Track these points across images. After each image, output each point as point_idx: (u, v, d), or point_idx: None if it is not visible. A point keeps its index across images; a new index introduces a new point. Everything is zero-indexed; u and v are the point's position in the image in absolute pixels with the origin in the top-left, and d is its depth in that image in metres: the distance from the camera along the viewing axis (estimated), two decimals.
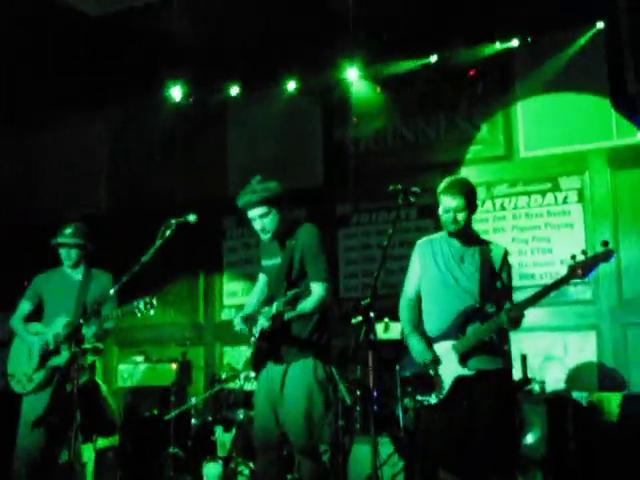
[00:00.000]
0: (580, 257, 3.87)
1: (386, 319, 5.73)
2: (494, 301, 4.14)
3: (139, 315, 4.42)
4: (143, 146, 8.39)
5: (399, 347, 4.47)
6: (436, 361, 4.13)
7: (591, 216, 6.63)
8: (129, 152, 8.57)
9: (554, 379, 6.31)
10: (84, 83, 7.68)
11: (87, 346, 4.60)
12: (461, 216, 4.17)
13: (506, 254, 4.29)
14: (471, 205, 4.21)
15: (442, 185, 4.25)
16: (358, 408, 5.71)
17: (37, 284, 5.33)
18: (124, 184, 8.62)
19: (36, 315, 5.28)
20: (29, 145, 9.02)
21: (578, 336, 6.51)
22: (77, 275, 5.27)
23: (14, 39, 7.10)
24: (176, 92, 7.96)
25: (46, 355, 4.96)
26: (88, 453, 5.20)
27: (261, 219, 4.28)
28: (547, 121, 6.91)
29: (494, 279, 4.19)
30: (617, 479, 4.61)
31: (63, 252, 5.23)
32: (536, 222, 6.85)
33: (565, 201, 6.76)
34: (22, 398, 5.03)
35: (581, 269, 3.87)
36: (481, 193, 6.90)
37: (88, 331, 4.77)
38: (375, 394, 3.80)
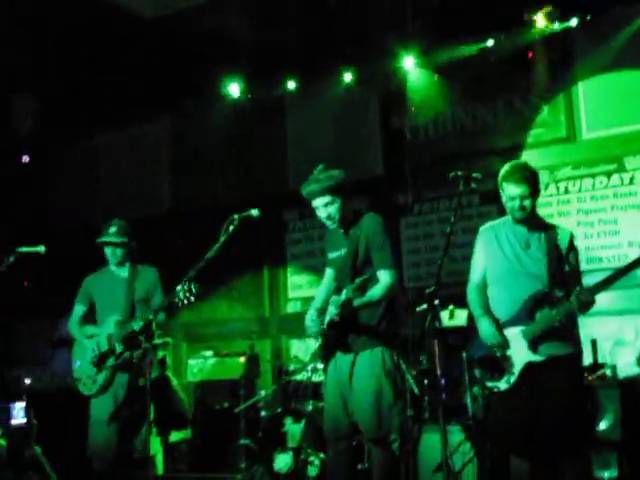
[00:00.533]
0: None
1: (451, 306, 5.69)
2: (562, 285, 4.07)
3: (180, 304, 4.38)
4: (204, 144, 8.50)
5: (465, 334, 4.45)
6: (505, 344, 4.09)
7: None
8: (190, 150, 8.69)
9: (625, 363, 6.17)
10: (144, 84, 7.82)
11: (157, 341, 4.69)
12: (527, 202, 4.11)
13: (572, 237, 4.22)
14: (535, 190, 4.15)
15: (503, 171, 4.19)
16: (426, 397, 5.70)
17: (86, 286, 5.40)
18: (186, 182, 8.74)
19: (91, 316, 5.37)
20: (92, 147, 9.23)
21: None
22: (123, 273, 5.33)
23: (74, 42, 7.27)
24: (234, 89, 8.04)
25: (103, 356, 5.06)
26: (156, 446, 5.29)
27: (325, 208, 4.30)
28: (609, 100, 6.75)
29: (561, 263, 4.12)
30: None
31: (108, 251, 5.29)
32: (602, 204, 6.71)
33: (631, 182, 6.60)
34: (90, 400, 5.15)
35: None
36: (544, 177, 6.78)
37: (135, 325, 4.85)
38: (443, 382, 3.77)
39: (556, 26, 6.78)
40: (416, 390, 5.56)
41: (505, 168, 4.20)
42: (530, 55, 6.96)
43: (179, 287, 4.38)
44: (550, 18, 6.74)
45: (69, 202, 9.31)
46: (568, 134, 6.93)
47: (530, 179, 4.12)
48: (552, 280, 4.07)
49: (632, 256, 5.94)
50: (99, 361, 5.03)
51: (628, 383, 5.40)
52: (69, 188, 9.34)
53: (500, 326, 4.15)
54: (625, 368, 6.05)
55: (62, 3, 6.57)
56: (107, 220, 5.45)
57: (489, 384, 4.19)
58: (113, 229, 5.29)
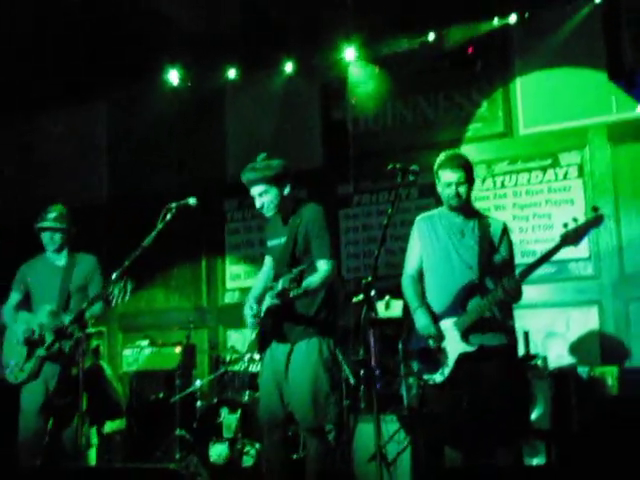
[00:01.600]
0: (572, 224, 3.92)
1: (387, 297, 5.76)
2: (495, 275, 4.15)
3: (114, 302, 4.33)
4: (142, 131, 8.37)
5: (401, 324, 4.51)
6: (440, 336, 4.16)
7: (591, 191, 6.63)
8: (128, 138, 8.56)
9: (557, 355, 6.35)
10: (81, 69, 7.67)
11: (91, 330, 4.63)
12: (462, 189, 4.20)
13: (505, 227, 4.31)
14: (471, 178, 4.24)
15: (439, 160, 4.27)
16: (362, 387, 5.76)
17: (22, 273, 5.33)
18: (124, 170, 8.61)
19: (27, 303, 5.29)
20: (25, 133, 9.01)
21: (580, 312, 6.54)
22: (60, 260, 5.26)
23: (10, 24, 7.09)
24: (173, 76, 7.93)
25: (32, 345, 4.98)
26: (92, 437, 5.24)
27: (260, 197, 4.31)
28: (546, 97, 6.89)
29: (493, 253, 4.21)
30: (620, 452, 4.64)
31: (46, 236, 5.22)
32: (537, 199, 6.86)
33: (565, 177, 6.76)
34: (20, 388, 5.05)
35: (573, 235, 3.91)
36: (481, 171, 6.92)
37: (66, 318, 4.79)
38: (378, 372, 3.82)
39: (495, 22, 6.90)
40: (352, 380, 5.62)
41: (440, 157, 4.29)
42: (470, 50, 7.05)
43: (114, 285, 4.31)
44: (489, 14, 6.86)
45: (3, 189, 9.06)
46: (505, 129, 7.05)
47: (465, 167, 4.22)
48: (484, 270, 4.15)
49: (566, 250, 6.13)
50: (28, 348, 4.94)
51: (558, 374, 5.54)
52: (3, 175, 9.10)
53: (435, 317, 4.22)
54: (556, 359, 6.23)
55: None
56: (44, 207, 5.35)
57: (425, 376, 4.25)
58: (52, 214, 5.21)
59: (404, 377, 5.43)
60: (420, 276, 4.39)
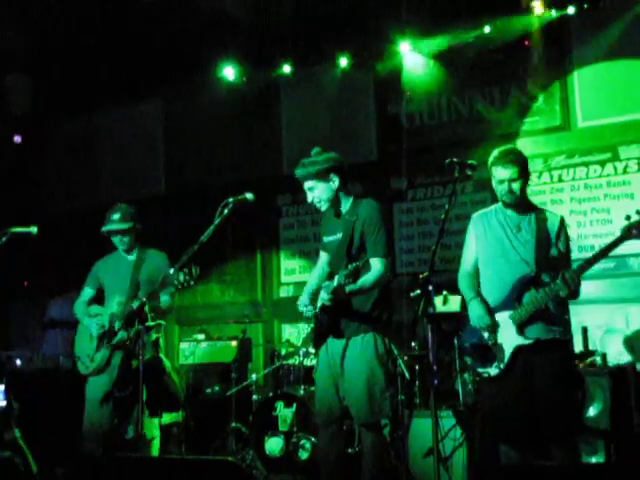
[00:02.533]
0: (635, 217, 3.83)
1: (445, 292, 5.73)
2: (551, 269, 4.10)
3: (180, 287, 4.37)
4: (198, 127, 8.48)
5: (458, 319, 4.48)
6: (495, 326, 4.12)
7: None
8: (184, 133, 8.68)
9: (616, 351, 6.23)
10: (138, 64, 7.80)
11: (150, 323, 4.70)
12: (516, 185, 4.16)
13: (562, 222, 4.25)
14: (524, 173, 4.18)
15: (492, 156, 4.24)
16: (417, 383, 5.75)
17: (95, 270, 5.45)
18: (181, 164, 8.73)
19: (100, 299, 5.42)
20: (84, 128, 9.21)
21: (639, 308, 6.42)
22: (132, 256, 5.35)
23: (69, 23, 7.24)
24: (229, 72, 8.02)
25: (103, 335, 5.09)
26: (155, 429, 5.34)
27: (310, 192, 4.36)
28: (605, 89, 6.76)
29: (550, 247, 4.16)
30: None
31: (115, 239, 5.30)
32: (595, 193, 6.74)
33: (625, 171, 6.63)
34: (86, 379, 5.17)
35: (636, 229, 3.82)
36: (538, 165, 6.83)
37: (135, 304, 4.86)
38: (435, 368, 3.80)
39: (553, 13, 6.79)
40: (407, 375, 5.61)
41: (494, 153, 4.25)
42: (527, 42, 6.96)
43: (179, 270, 4.33)
44: (547, 5, 6.76)
45: (62, 184, 9.29)
46: (563, 123, 6.94)
47: (518, 163, 4.16)
48: (540, 264, 4.10)
49: (624, 246, 6.02)
50: (100, 339, 5.06)
51: (618, 371, 5.45)
52: (62, 170, 9.32)
53: (490, 309, 4.19)
54: (615, 356, 6.12)
55: None
56: (107, 204, 5.44)
57: (480, 369, 4.22)
58: (116, 216, 5.26)
59: (460, 373, 5.41)
60: (476, 272, 4.37)
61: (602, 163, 6.72)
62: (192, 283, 4.30)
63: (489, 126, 7.18)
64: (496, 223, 4.31)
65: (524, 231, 4.21)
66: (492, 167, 4.22)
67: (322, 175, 4.30)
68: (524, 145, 6.80)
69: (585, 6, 6.68)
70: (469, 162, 3.97)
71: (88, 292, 5.42)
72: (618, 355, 6.17)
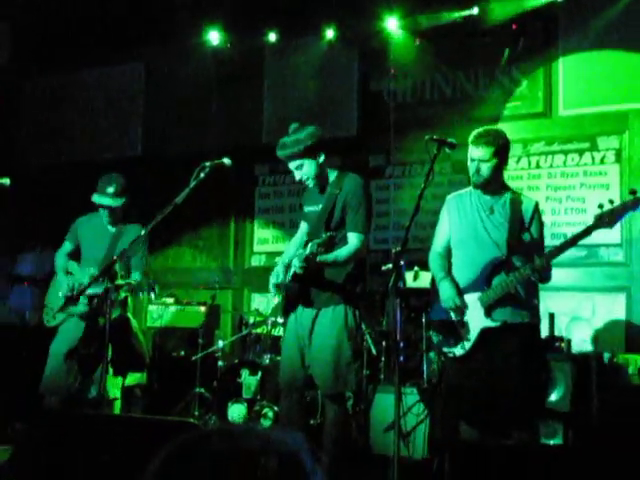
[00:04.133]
0: (607, 206, 3.84)
1: (416, 268, 5.74)
2: (523, 254, 4.10)
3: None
4: (179, 89, 8.39)
5: (428, 295, 4.49)
6: (463, 308, 4.14)
7: (628, 177, 6.53)
8: (165, 95, 8.57)
9: (580, 339, 6.31)
10: (120, 23, 7.68)
11: (120, 282, 4.67)
12: (485, 167, 4.12)
13: (537, 207, 4.24)
14: (499, 156, 4.14)
15: (472, 134, 4.22)
16: (383, 358, 5.78)
17: (77, 227, 5.42)
18: (160, 126, 8.64)
19: (77, 255, 5.43)
20: (63, 84, 9.07)
21: (607, 298, 6.49)
22: (113, 228, 5.32)
23: None
24: (214, 36, 7.91)
25: (68, 300, 5.05)
26: (117, 389, 5.33)
27: (297, 170, 4.31)
28: (589, 79, 6.77)
29: (523, 231, 4.16)
30: (636, 441, 4.64)
31: (105, 212, 5.23)
32: (571, 182, 6.77)
33: (602, 161, 6.67)
34: (57, 328, 5.15)
35: (608, 217, 3.83)
36: (517, 150, 6.84)
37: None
38: (401, 345, 3.81)
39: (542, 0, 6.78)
40: (374, 350, 5.64)
41: (475, 131, 4.23)
42: (514, 27, 6.94)
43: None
44: None
45: (37, 139, 9.16)
46: (545, 109, 6.95)
47: (493, 144, 4.11)
48: (511, 247, 4.10)
49: (596, 236, 6.06)
50: (65, 302, 5.04)
51: (581, 358, 5.52)
52: (38, 124, 9.19)
53: (460, 290, 4.21)
54: (579, 344, 6.19)
55: None
56: (81, 162, 5.38)
57: (445, 349, 4.24)
58: (111, 189, 5.17)
59: (425, 351, 5.44)
60: (447, 253, 4.37)
61: (580, 152, 6.75)
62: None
63: (471, 108, 7.17)
64: (470, 205, 4.29)
65: (497, 214, 4.20)
66: (469, 145, 4.20)
67: (308, 152, 4.24)
68: (505, 129, 6.74)
69: None
70: (449, 140, 3.94)
71: (68, 246, 5.40)
72: (582, 343, 6.25)
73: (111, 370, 4.89)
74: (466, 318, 4.16)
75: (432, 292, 4.35)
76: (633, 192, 3.85)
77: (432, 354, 5.54)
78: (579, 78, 6.82)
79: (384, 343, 5.80)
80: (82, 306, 4.98)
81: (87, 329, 4.94)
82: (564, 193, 6.77)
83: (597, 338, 6.38)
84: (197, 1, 7.30)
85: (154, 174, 8.14)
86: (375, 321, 6.03)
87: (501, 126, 6.87)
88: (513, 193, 4.30)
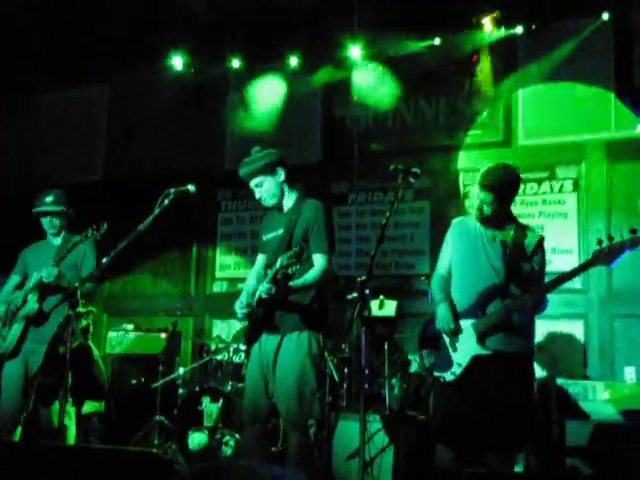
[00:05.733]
0: (606, 243, 3.82)
1: (381, 296, 5.75)
2: (521, 284, 4.09)
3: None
4: (142, 114, 8.35)
5: (392, 325, 4.50)
6: (457, 331, 4.13)
7: (585, 206, 6.66)
8: (128, 120, 8.53)
9: (540, 366, 6.36)
10: (84, 48, 7.63)
11: (81, 310, 4.61)
12: (487, 209, 4.17)
13: (541, 241, 4.25)
14: (502, 197, 4.16)
15: (480, 172, 4.22)
16: (345, 385, 5.76)
17: (23, 257, 5.35)
18: (122, 151, 8.57)
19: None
20: (25, 107, 8.95)
21: (566, 325, 6.57)
22: (58, 241, 5.27)
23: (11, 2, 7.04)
24: (177, 62, 7.90)
25: (16, 311, 5.00)
26: (70, 418, 5.22)
27: (258, 188, 4.32)
28: (547, 110, 6.92)
29: (523, 262, 4.14)
30: (598, 466, 4.68)
31: (45, 221, 5.22)
32: (530, 210, 6.87)
33: (561, 190, 6.79)
34: (3, 364, 5.04)
35: (605, 255, 3.81)
36: (478, 178, 6.91)
37: (44, 272, 4.80)
38: (367, 372, 3.79)
39: (502, 32, 6.91)
40: (336, 377, 5.63)
41: (484, 168, 4.23)
42: (475, 58, 7.07)
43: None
44: (497, 23, 6.88)
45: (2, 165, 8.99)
46: (505, 139, 7.07)
47: (495, 189, 4.12)
48: (510, 275, 4.09)
49: (555, 263, 6.16)
50: (12, 316, 4.95)
51: (541, 385, 5.55)
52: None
53: (457, 314, 4.19)
54: (539, 371, 6.24)
55: None
56: (38, 186, 5.33)
57: (436, 373, 4.23)
58: (49, 198, 5.19)
59: (388, 377, 5.45)
60: (449, 276, 4.36)
61: (539, 181, 6.86)
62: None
63: (433, 136, 7.25)
64: (473, 229, 4.29)
65: (499, 242, 4.19)
66: (477, 183, 4.21)
67: (268, 169, 4.28)
68: (466, 158, 6.92)
69: (533, 27, 6.82)
70: (413, 170, 3.95)
71: (14, 279, 5.31)
72: (542, 370, 6.31)
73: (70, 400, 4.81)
74: (459, 343, 4.14)
75: (396, 321, 4.36)
76: (633, 231, 3.80)
77: (394, 380, 5.55)
78: (538, 108, 6.96)
79: (346, 370, 5.79)
80: (32, 304, 4.90)
81: (47, 358, 4.85)
82: (524, 221, 6.81)
83: (556, 364, 6.44)
84: (162, 27, 7.28)
85: (115, 199, 8.06)
86: (338, 347, 6.02)
87: (462, 154, 7.02)
88: (518, 225, 4.30)
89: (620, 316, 6.46)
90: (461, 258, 4.30)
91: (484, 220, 4.23)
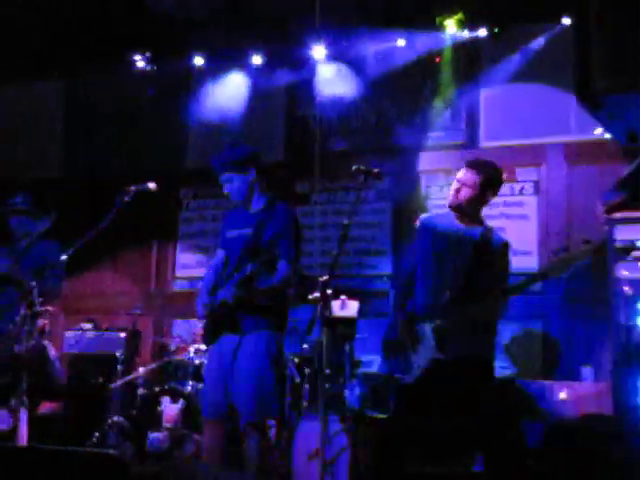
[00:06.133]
0: (561, 253, 3.93)
1: (343, 296, 5.76)
2: (482, 287, 4.06)
3: None
4: (102, 111, 8.24)
5: (353, 325, 4.51)
6: (415, 336, 4.12)
7: (545, 208, 6.74)
8: (88, 117, 8.41)
9: (500, 366, 6.42)
10: (42, 40, 7.51)
11: (38, 309, 4.53)
12: (463, 191, 4.12)
13: (505, 245, 4.24)
14: (481, 187, 4.13)
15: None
16: (307, 385, 5.76)
17: None
18: (81, 149, 8.46)
19: None
20: None
21: (526, 325, 6.64)
22: (23, 244, 5.23)
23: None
24: (139, 59, 7.82)
25: None
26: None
27: (226, 183, 4.31)
28: (509, 112, 6.99)
29: (486, 266, 4.12)
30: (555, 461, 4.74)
31: (14, 221, 5.19)
32: (492, 212, 6.85)
33: (521, 192, 6.87)
34: None
35: (559, 264, 3.91)
36: (440, 179, 6.98)
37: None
38: (328, 372, 3.80)
39: (466, 34, 6.96)
40: (297, 378, 5.62)
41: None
42: (438, 59, 7.11)
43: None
44: (460, 25, 6.93)
45: None
46: (467, 141, 7.13)
47: (480, 173, 4.12)
48: (472, 279, 4.08)
49: (516, 264, 6.21)
50: None
51: (500, 384, 5.61)
52: None
53: (416, 318, 4.18)
54: (499, 370, 6.30)
55: None
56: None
57: (397, 375, 4.24)
58: (19, 199, 5.21)
59: (349, 378, 5.46)
60: (414, 277, 4.34)
61: None
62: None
63: (395, 137, 7.27)
64: (440, 229, 4.26)
65: (463, 245, 4.16)
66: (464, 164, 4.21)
67: (239, 166, 4.28)
68: (429, 159, 6.95)
69: (496, 30, 6.89)
70: (375, 170, 3.95)
71: None
72: (502, 370, 6.37)
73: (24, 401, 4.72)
74: (419, 346, 4.13)
75: (357, 321, 4.37)
76: (587, 242, 3.91)
77: (355, 381, 5.56)
78: (500, 111, 7.02)
79: (307, 370, 5.78)
80: None
81: (2, 357, 4.76)
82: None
83: (516, 363, 6.52)
84: (123, 22, 7.21)
85: (75, 196, 7.95)
86: (299, 347, 6.02)
87: (424, 155, 7.05)
88: (486, 229, 4.26)
89: (578, 317, 6.55)
90: (425, 260, 4.29)
91: (455, 207, 4.19)
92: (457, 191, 4.16)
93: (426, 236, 4.32)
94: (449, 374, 4.02)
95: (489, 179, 4.19)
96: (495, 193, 4.29)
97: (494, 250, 4.19)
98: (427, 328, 4.13)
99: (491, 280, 4.14)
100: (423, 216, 4.50)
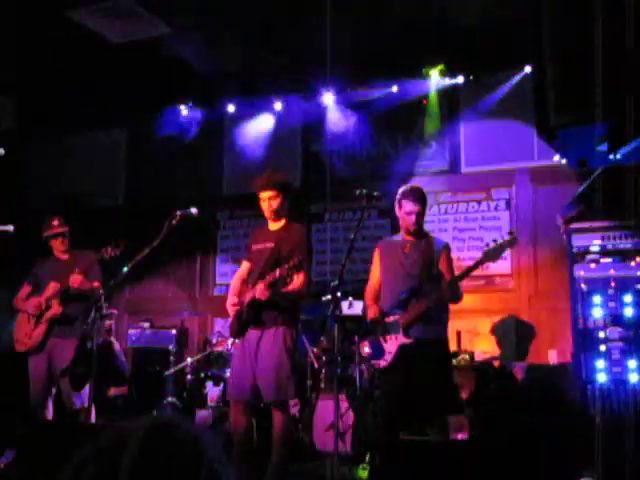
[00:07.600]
0: (492, 244, 4.04)
1: (350, 298, 5.80)
2: (433, 282, 4.15)
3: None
4: (155, 152, 8.33)
5: (359, 321, 4.54)
6: (385, 327, 4.17)
7: (516, 222, 6.76)
8: (144, 156, 8.52)
9: (481, 351, 6.43)
10: (108, 97, 7.62)
11: (104, 312, 4.60)
12: (421, 219, 4.24)
13: (446, 246, 4.33)
14: (425, 209, 4.28)
15: (403, 190, 4.27)
16: (323, 370, 5.79)
17: (34, 269, 5.28)
18: (139, 182, 8.57)
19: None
20: (58, 146, 8.90)
21: (502, 317, 6.64)
22: (65, 256, 5.23)
23: (55, 58, 7.02)
24: (183, 107, 7.94)
25: (41, 314, 4.97)
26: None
27: (271, 201, 4.24)
28: (484, 143, 7.02)
29: (434, 265, 4.22)
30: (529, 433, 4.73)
31: (56, 242, 5.17)
32: (472, 225, 6.96)
33: (496, 208, 6.89)
34: (27, 358, 5.01)
35: (492, 252, 4.05)
36: (429, 200, 6.97)
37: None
38: (339, 359, 3.81)
39: (446, 81, 7.02)
40: (316, 364, 5.65)
41: (404, 188, 4.29)
42: (425, 102, 7.16)
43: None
44: (442, 74, 6.99)
45: (36, 192, 8.91)
46: (450, 167, 7.16)
47: (424, 200, 4.24)
48: (423, 277, 4.16)
49: (492, 268, 6.26)
50: (38, 318, 4.93)
51: (481, 367, 5.63)
52: (37, 180, 8.96)
53: (384, 314, 4.24)
54: (480, 355, 6.31)
55: (43, 24, 6.38)
56: (72, 213, 5.32)
57: (373, 361, 4.27)
58: (55, 222, 5.17)
59: (357, 363, 5.48)
60: (378, 286, 4.40)
61: (478, 201, 6.95)
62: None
63: (392, 166, 7.32)
64: (394, 246, 4.36)
65: (414, 252, 4.24)
66: (402, 200, 4.23)
67: (282, 186, 4.24)
68: (420, 183, 6.93)
69: (471, 77, 6.95)
70: (375, 194, 4.02)
71: (27, 289, 5.22)
72: (483, 354, 6.37)
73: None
74: (388, 335, 4.19)
75: (363, 318, 4.39)
76: (511, 232, 4.13)
77: (363, 366, 5.57)
78: (476, 142, 7.05)
79: (324, 358, 5.82)
80: (55, 307, 4.90)
81: (78, 351, 4.83)
82: (467, 234, 6.95)
83: (494, 350, 6.52)
84: (169, 79, 7.30)
85: (133, 220, 8.05)
86: (317, 339, 6.05)
87: (415, 180, 7.05)
88: (428, 236, 4.38)
89: (545, 309, 6.54)
90: (386, 269, 4.34)
91: (412, 232, 4.26)
92: (416, 222, 4.24)
93: (385, 252, 4.39)
94: (415, 354, 4.06)
95: (426, 202, 4.31)
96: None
97: (437, 252, 4.26)
98: (393, 321, 4.16)
99: (438, 274, 4.20)
100: (380, 241, 4.62)
